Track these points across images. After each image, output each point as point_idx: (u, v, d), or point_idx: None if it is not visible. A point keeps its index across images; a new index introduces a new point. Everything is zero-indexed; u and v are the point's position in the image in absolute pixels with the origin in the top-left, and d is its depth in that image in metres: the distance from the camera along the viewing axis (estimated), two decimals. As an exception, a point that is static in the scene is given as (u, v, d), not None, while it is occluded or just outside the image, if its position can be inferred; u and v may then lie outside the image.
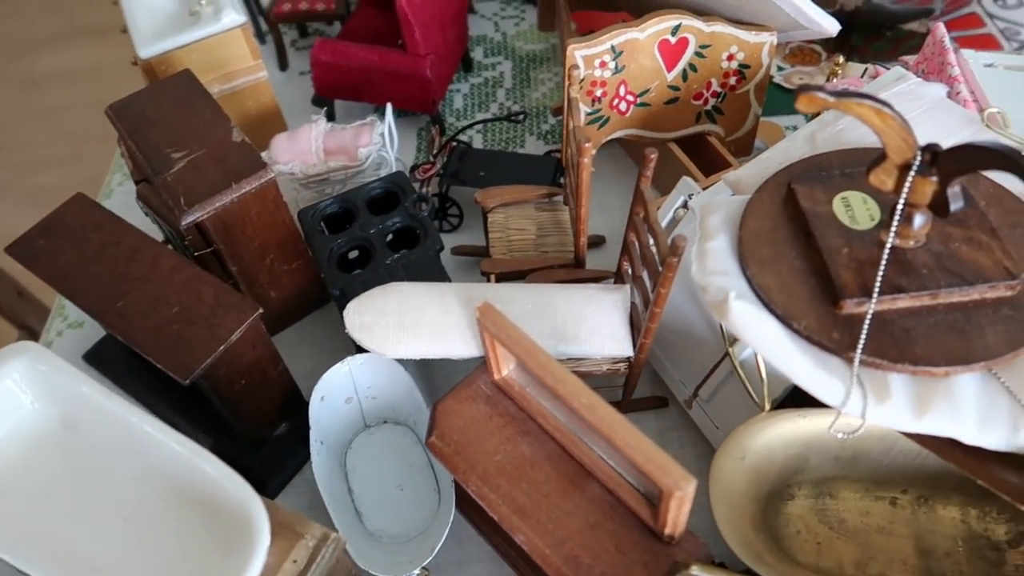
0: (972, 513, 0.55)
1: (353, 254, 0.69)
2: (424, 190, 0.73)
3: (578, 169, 0.57)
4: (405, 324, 0.56)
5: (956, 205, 0.42)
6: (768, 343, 0.44)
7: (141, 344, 0.52)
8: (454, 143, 0.79)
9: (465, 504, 0.60)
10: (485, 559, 0.58)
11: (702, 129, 0.73)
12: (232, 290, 0.55)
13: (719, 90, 0.70)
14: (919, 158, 0.42)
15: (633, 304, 0.58)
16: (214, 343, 0.52)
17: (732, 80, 0.70)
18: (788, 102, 0.81)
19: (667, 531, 0.46)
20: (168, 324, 0.53)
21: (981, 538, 0.54)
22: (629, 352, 0.57)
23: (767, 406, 0.52)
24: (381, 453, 0.64)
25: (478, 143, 0.85)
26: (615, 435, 0.43)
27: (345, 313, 0.56)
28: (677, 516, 0.43)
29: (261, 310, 0.54)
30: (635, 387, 0.62)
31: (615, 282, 0.64)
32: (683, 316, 0.60)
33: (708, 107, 0.72)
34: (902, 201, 0.43)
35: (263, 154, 0.75)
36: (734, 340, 0.56)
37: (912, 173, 0.42)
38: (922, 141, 0.43)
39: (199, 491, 0.41)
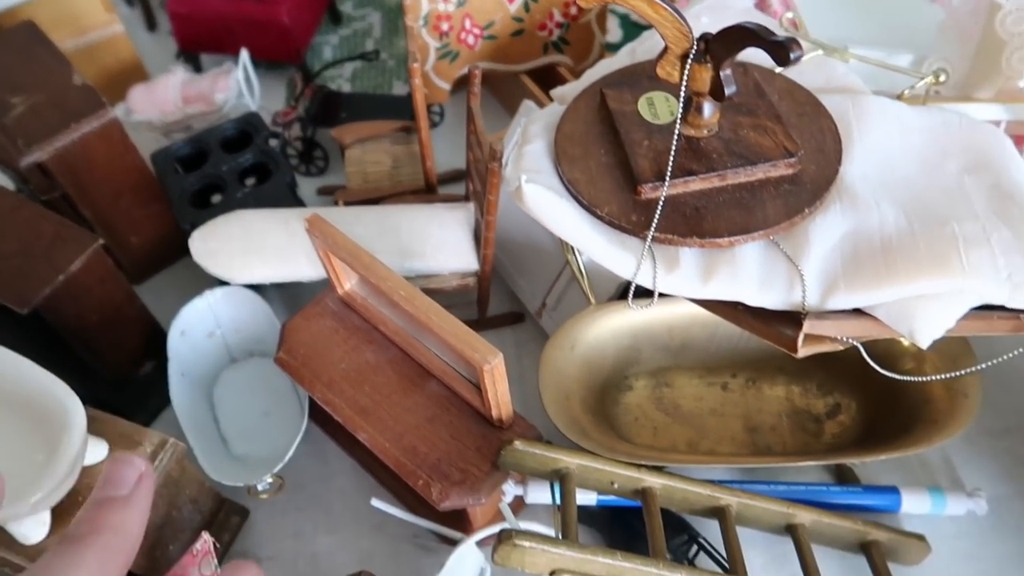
0: (795, 391, 0.60)
1: (215, 198, 0.70)
2: (286, 134, 0.74)
3: (412, 91, 0.59)
4: (250, 248, 0.58)
5: (730, 89, 0.46)
6: (562, 223, 0.47)
7: (-22, 279, 0.53)
8: (317, 87, 0.80)
9: (328, 423, 0.62)
10: (348, 472, 0.60)
11: (551, 60, 0.76)
12: (74, 225, 0.56)
13: (562, 20, 0.73)
14: (695, 47, 0.46)
15: (477, 220, 0.61)
16: (52, 273, 0.53)
17: (573, 10, 0.73)
18: (638, 32, 0.85)
19: (494, 414, 0.49)
20: (6, 260, 0.53)
21: (803, 412, 0.59)
22: (474, 265, 0.60)
23: (592, 300, 0.55)
24: (248, 385, 0.65)
25: (347, 91, 0.87)
26: (431, 322, 0.45)
27: (190, 241, 0.58)
28: (496, 393, 0.46)
29: (102, 241, 0.55)
30: (487, 301, 0.64)
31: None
32: (527, 230, 0.63)
33: (553, 38, 0.74)
34: (684, 89, 0.47)
35: (120, 105, 0.76)
36: (572, 247, 0.59)
37: (689, 61, 0.46)
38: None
39: (24, 399, 0.42)
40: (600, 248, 0.46)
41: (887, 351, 0.55)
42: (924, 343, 0.43)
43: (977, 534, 0.55)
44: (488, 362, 0.43)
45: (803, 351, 0.45)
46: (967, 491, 0.55)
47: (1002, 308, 0.45)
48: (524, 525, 0.48)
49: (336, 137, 0.69)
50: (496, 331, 0.67)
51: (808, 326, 0.44)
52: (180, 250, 0.73)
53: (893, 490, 0.54)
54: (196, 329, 0.63)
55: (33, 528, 0.44)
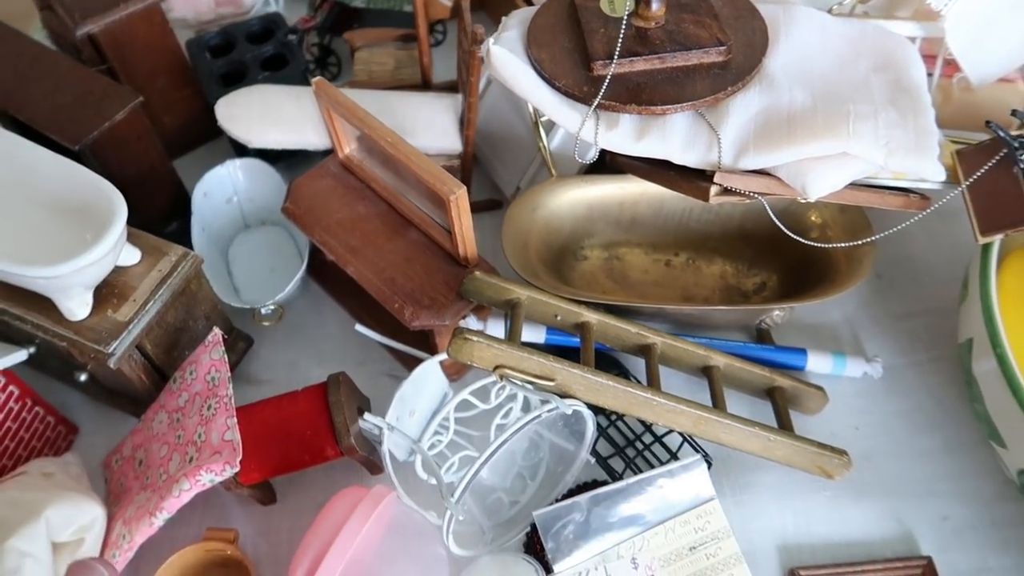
0: (728, 270, 0.68)
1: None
2: (305, 40, 0.84)
3: (414, -8, 0.69)
4: (266, 116, 0.67)
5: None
6: (522, 82, 0.56)
7: (38, 121, 0.63)
8: (335, 2, 0.89)
9: (326, 280, 0.72)
10: (340, 322, 0.70)
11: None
12: (119, 85, 0.66)
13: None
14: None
15: (463, 108, 0.70)
16: (100, 120, 0.63)
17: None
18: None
19: (461, 251, 0.58)
20: (63, 108, 0.63)
21: (733, 289, 0.68)
22: (458, 146, 0.69)
23: (554, 172, 0.64)
24: (258, 248, 0.75)
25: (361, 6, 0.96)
26: (410, 161, 0.54)
27: (216, 107, 0.67)
28: (462, 227, 0.56)
29: (141, 98, 0.64)
30: (471, 182, 0.73)
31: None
32: (506, 120, 0.72)
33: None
34: (633, -19, 0.55)
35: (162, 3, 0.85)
36: (541, 133, 0.68)
37: (640, -40, 0.55)
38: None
39: (76, 194, 0.52)
40: (554, 107, 0.55)
41: (798, 224, 0.64)
42: (813, 196, 0.52)
43: (871, 394, 0.63)
44: (453, 192, 0.52)
45: (714, 200, 0.54)
46: (866, 358, 0.64)
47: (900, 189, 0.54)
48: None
49: (348, 39, 0.78)
50: (477, 216, 0.76)
51: (719, 177, 0.53)
52: (208, 133, 0.83)
53: (801, 350, 0.63)
54: (217, 193, 0.73)
55: (79, 306, 0.54)
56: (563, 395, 0.53)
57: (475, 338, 0.51)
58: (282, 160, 0.75)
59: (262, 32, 0.77)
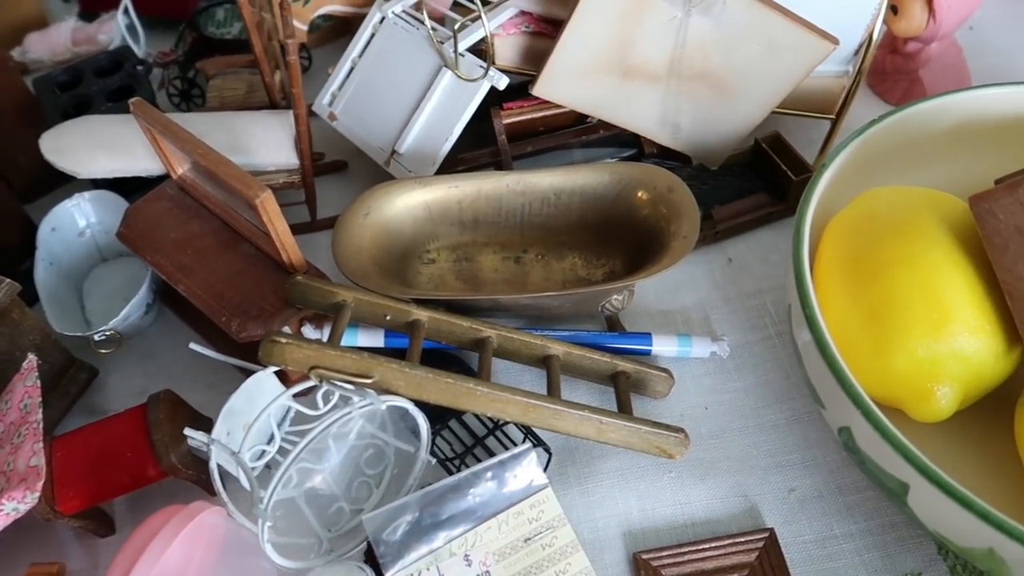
0: (579, 263, 0.68)
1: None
2: (166, 74, 0.84)
3: (245, 22, 0.69)
4: (93, 144, 0.67)
5: None
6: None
7: None
8: (198, 36, 0.90)
9: (176, 303, 0.71)
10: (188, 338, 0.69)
11: None
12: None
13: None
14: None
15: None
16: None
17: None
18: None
19: (284, 257, 0.58)
20: None
21: (584, 280, 0.68)
22: (294, 160, 0.69)
23: (460, 74, 0.63)
24: (114, 280, 0.74)
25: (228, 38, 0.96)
26: (218, 168, 0.54)
27: (40, 140, 0.67)
28: (277, 232, 0.55)
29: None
30: (314, 198, 0.73)
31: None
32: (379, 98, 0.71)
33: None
34: None
35: (16, 48, 0.86)
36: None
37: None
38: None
39: None
40: None
41: (629, 205, 0.64)
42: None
43: (720, 373, 0.63)
44: (258, 196, 0.52)
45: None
46: (713, 337, 0.63)
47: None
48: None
49: (200, 68, 0.79)
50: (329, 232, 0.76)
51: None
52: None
53: (645, 335, 0.63)
54: (67, 227, 0.72)
55: None
56: (386, 393, 0.52)
57: (284, 340, 0.51)
58: (140, 191, 0.75)
59: (110, 66, 0.77)
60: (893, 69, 0.79)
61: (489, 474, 0.53)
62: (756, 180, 0.72)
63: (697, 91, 0.65)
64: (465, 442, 0.60)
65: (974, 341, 0.48)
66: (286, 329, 0.59)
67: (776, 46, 0.62)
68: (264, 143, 0.68)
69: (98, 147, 0.66)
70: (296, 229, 0.74)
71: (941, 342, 0.48)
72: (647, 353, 0.63)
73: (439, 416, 0.59)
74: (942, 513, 0.44)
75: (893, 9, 0.74)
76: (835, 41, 0.62)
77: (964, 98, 0.62)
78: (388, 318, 0.58)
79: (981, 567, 0.46)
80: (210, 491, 0.57)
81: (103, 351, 0.64)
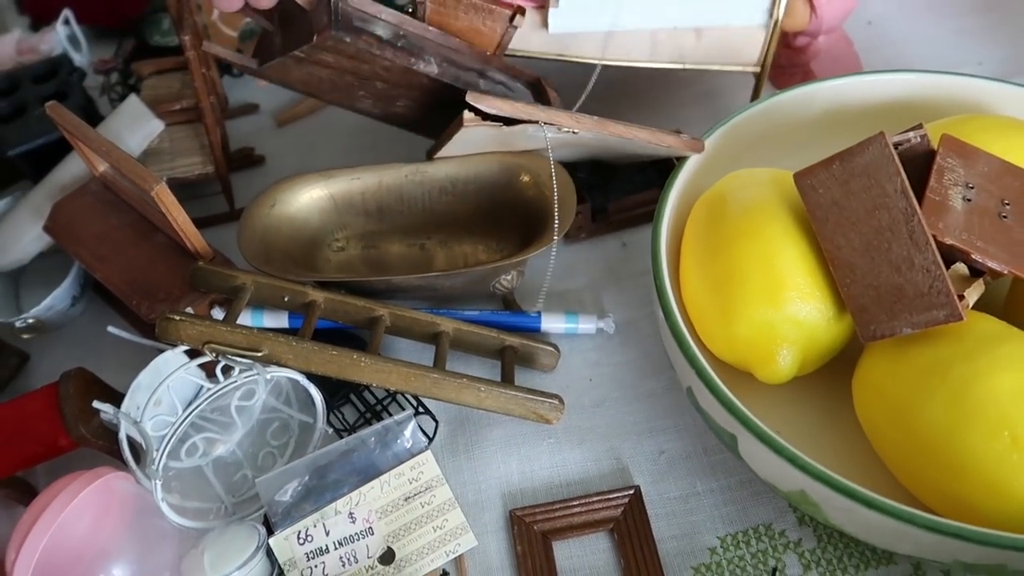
0: (480, 248, 0.73)
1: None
2: (105, 79, 0.89)
3: (174, 22, 0.74)
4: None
5: None
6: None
7: None
8: (139, 44, 0.95)
9: (105, 293, 0.75)
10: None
11: None
12: None
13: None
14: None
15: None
16: None
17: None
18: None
19: (188, 245, 0.62)
20: None
21: (482, 264, 0.72)
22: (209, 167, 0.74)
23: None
24: (53, 270, 0.78)
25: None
26: (119, 164, 0.59)
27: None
28: (177, 221, 0.60)
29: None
30: (231, 190, 0.77)
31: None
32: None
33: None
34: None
35: (-37, 57, 0.90)
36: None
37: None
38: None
39: None
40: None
41: (513, 187, 0.69)
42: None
43: (607, 347, 0.67)
44: (152, 188, 0.57)
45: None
46: (599, 315, 0.68)
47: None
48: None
49: (135, 70, 0.84)
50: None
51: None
52: (12, 175, 0.88)
53: (535, 313, 0.67)
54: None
55: None
56: (277, 365, 0.57)
57: (178, 317, 0.55)
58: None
59: (46, 73, 0.82)
60: (787, 63, 0.84)
61: (373, 439, 0.58)
62: (655, 175, 0.76)
63: (587, 146, 0.69)
64: (366, 416, 0.64)
65: (805, 307, 0.53)
66: (188, 310, 0.63)
67: (636, 145, 0.65)
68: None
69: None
70: (217, 219, 0.79)
71: (777, 308, 0.53)
72: (537, 330, 0.67)
73: (338, 391, 0.64)
74: (764, 461, 0.49)
75: (779, 6, 0.78)
76: (700, 149, 0.63)
77: (828, 87, 0.67)
78: (287, 299, 0.62)
79: (803, 510, 0.50)
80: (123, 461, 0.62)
81: (24, 336, 0.69)
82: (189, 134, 0.78)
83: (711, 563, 0.55)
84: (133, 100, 0.75)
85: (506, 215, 0.70)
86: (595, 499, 0.58)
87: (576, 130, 0.61)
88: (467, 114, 0.60)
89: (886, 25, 0.91)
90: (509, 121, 0.61)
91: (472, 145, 0.66)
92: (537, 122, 0.60)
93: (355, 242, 0.72)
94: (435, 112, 0.69)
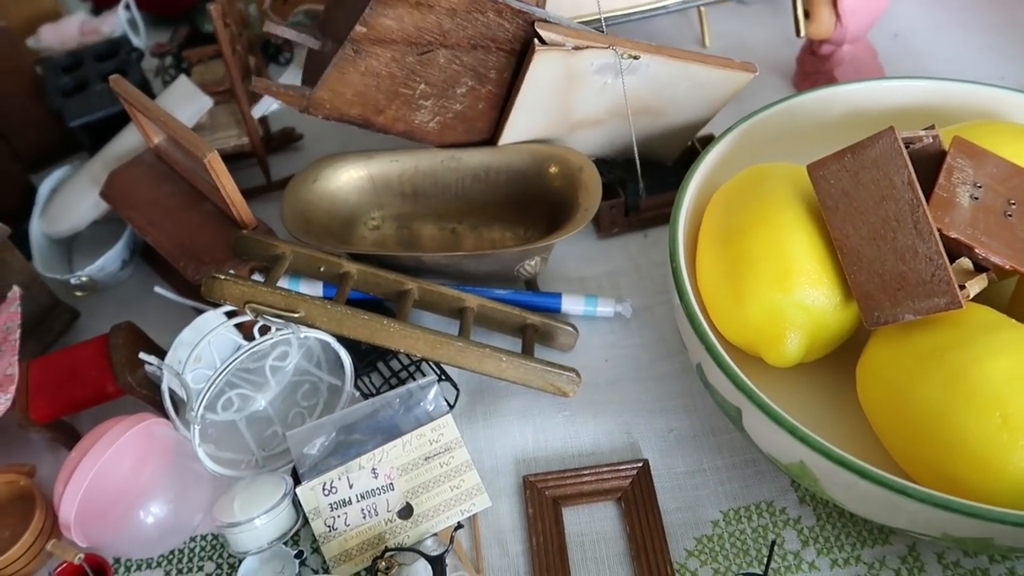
0: (507, 235, 0.76)
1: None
2: (160, 62, 0.95)
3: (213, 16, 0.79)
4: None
5: None
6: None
7: None
8: (193, 30, 1.00)
9: (152, 259, 0.80)
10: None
11: None
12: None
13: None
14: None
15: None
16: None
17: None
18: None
19: (235, 214, 0.66)
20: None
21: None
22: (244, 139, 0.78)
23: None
24: (104, 235, 0.83)
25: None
26: (176, 132, 0.63)
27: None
28: (226, 189, 0.64)
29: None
30: (267, 163, 0.82)
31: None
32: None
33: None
34: None
35: (31, 38, 0.96)
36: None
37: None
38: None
39: None
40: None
41: (542, 179, 0.72)
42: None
43: (623, 330, 0.70)
44: (206, 156, 0.61)
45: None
46: (617, 299, 0.71)
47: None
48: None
49: (185, 56, 0.89)
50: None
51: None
52: (73, 145, 0.93)
53: (556, 294, 0.71)
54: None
55: None
56: (310, 327, 0.61)
57: (223, 276, 0.59)
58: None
59: (108, 52, 0.88)
60: (812, 70, 0.87)
61: (397, 401, 0.61)
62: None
63: (638, 120, 0.72)
64: (390, 381, 0.68)
65: (813, 292, 0.55)
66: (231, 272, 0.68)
67: (700, 83, 0.69)
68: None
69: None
70: (256, 190, 0.84)
71: (786, 293, 0.55)
72: (557, 310, 0.70)
73: (366, 358, 0.68)
74: (765, 433, 0.51)
75: (806, 14, 0.81)
76: (753, 69, 0.69)
77: (847, 90, 0.70)
78: (322, 270, 0.66)
79: (802, 483, 0.52)
80: (164, 411, 0.66)
81: (78, 294, 0.73)
82: (227, 111, 0.83)
83: (712, 535, 0.58)
84: (183, 80, 0.80)
85: (534, 204, 0.73)
86: (605, 469, 0.61)
87: (636, 54, 0.64)
88: (538, 42, 0.63)
89: (912, 38, 0.93)
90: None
91: (543, 90, 0.67)
92: (606, 47, 0.63)
93: (390, 222, 0.76)
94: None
